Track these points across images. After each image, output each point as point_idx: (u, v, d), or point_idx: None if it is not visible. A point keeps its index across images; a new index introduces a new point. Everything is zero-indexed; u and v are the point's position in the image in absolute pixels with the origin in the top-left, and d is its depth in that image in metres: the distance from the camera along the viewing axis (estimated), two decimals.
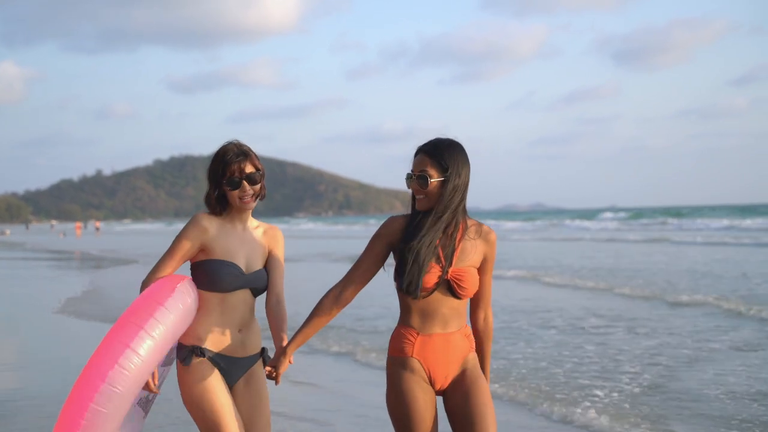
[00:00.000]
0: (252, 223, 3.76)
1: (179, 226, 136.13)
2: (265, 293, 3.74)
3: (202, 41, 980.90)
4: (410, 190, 3.35)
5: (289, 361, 3.43)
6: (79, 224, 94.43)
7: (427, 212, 3.31)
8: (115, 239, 60.95)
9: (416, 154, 3.36)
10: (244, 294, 3.62)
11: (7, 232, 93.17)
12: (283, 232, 3.83)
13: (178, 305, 3.46)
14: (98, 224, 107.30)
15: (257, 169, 3.65)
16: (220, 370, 3.58)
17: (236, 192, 3.62)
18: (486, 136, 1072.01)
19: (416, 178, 3.31)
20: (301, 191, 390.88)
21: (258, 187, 3.65)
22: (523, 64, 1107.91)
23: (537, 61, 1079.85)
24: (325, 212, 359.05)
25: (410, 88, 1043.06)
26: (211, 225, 3.63)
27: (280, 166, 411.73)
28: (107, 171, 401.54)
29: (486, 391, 3.34)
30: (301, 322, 3.44)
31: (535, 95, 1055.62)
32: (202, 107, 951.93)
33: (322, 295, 3.42)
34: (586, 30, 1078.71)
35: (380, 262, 3.42)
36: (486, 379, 3.47)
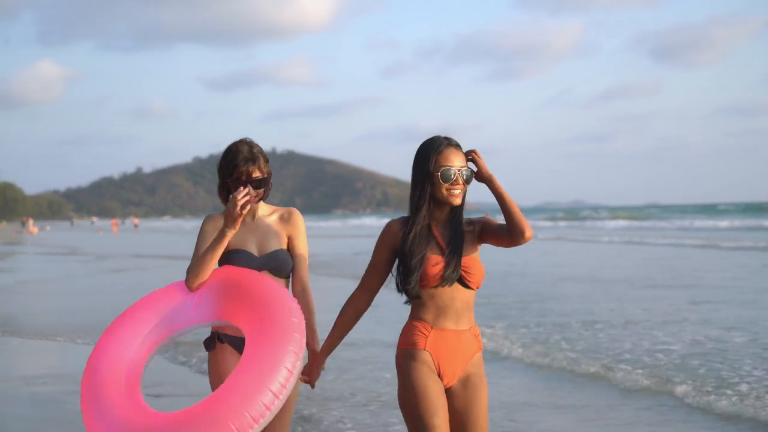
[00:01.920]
0: (263, 211, 3.81)
1: None
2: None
3: (237, 39, 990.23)
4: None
5: (323, 367, 3.55)
6: (115, 221, 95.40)
7: (428, 211, 3.40)
8: (155, 237, 60.62)
9: (441, 148, 3.38)
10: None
11: (47, 228, 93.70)
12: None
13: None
14: (136, 221, 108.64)
15: (264, 175, 3.72)
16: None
17: (241, 194, 3.62)
18: (523, 134, 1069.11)
19: (462, 174, 3.38)
20: (339, 188, 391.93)
21: (262, 190, 3.72)
22: (558, 61, 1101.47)
23: (573, 58, 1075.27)
24: (363, 209, 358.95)
25: (445, 85, 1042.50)
26: (218, 223, 3.74)
27: (318, 163, 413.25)
28: (147, 168, 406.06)
29: (484, 400, 3.40)
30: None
31: (572, 92, 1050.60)
32: (237, 105, 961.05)
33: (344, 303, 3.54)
34: (623, 26, 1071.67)
35: (388, 268, 3.49)
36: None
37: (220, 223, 3.72)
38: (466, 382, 3.39)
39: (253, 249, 3.71)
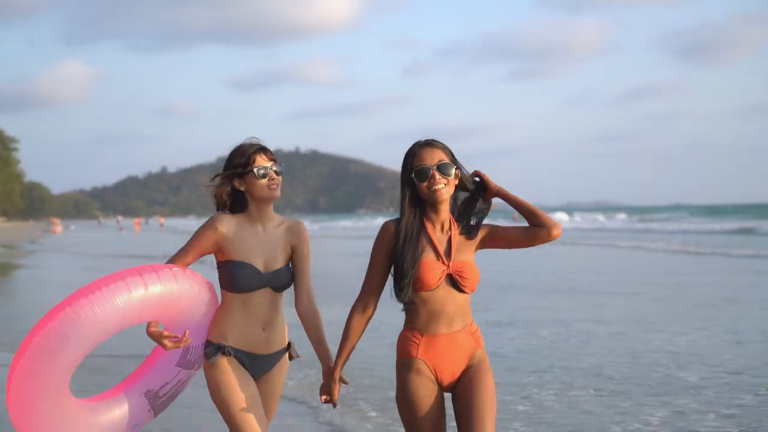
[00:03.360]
0: (273, 221, 3.75)
1: None
2: (293, 288, 3.77)
3: (260, 39, 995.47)
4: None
5: (343, 382, 3.53)
6: (137, 220, 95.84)
7: (416, 213, 3.40)
8: (169, 238, 60.88)
9: (417, 148, 3.42)
10: (265, 292, 3.66)
11: (71, 227, 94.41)
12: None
13: (149, 287, 3.49)
14: (162, 220, 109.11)
15: (275, 160, 3.71)
16: (244, 366, 3.63)
17: (265, 181, 3.64)
18: (546, 133, 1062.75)
19: (439, 168, 3.36)
20: (362, 188, 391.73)
21: (280, 177, 3.69)
22: (581, 60, 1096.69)
23: (596, 58, 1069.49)
24: (386, 208, 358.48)
25: (468, 85, 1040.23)
26: (226, 226, 3.67)
27: (341, 162, 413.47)
28: (172, 168, 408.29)
29: (488, 387, 3.37)
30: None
31: (595, 92, 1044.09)
32: (261, 104, 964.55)
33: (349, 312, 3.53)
34: (646, 25, 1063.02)
35: (387, 270, 3.47)
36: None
37: (226, 226, 3.66)
38: (465, 375, 3.40)
39: (259, 264, 3.67)
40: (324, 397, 3.51)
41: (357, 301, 3.50)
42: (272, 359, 3.73)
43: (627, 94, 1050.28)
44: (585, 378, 7.96)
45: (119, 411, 3.65)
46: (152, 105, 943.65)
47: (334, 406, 3.56)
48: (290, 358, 3.83)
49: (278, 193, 3.69)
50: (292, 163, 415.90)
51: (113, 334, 3.50)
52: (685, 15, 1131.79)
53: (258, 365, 3.69)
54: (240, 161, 3.67)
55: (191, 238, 3.69)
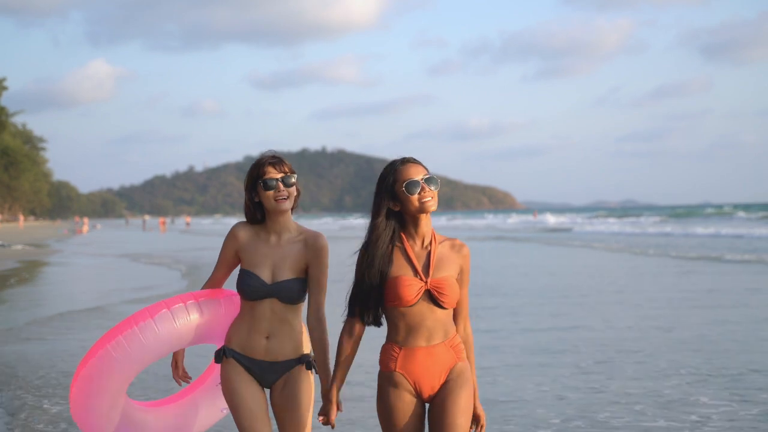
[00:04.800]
0: (291, 233, 3.81)
1: None
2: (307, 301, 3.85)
3: (284, 39, 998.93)
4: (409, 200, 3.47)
5: (339, 409, 3.57)
6: (162, 220, 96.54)
7: (396, 223, 3.49)
8: (184, 238, 60.63)
9: (401, 164, 3.52)
10: (270, 303, 3.74)
11: (98, 226, 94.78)
12: None
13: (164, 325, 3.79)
14: (188, 219, 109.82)
15: (291, 172, 3.79)
16: (248, 371, 3.77)
17: (271, 192, 3.72)
18: (572, 132, 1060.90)
19: (427, 181, 3.46)
20: None
21: (293, 189, 3.76)
22: (607, 59, 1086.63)
23: (622, 56, 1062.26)
24: None
25: (493, 84, 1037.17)
26: (243, 234, 3.83)
27: (367, 162, 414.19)
28: (199, 167, 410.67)
29: (462, 400, 3.43)
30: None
31: (621, 91, 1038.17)
32: (286, 104, 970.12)
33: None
34: (672, 23, 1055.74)
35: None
36: (477, 399, 3.54)
37: (243, 234, 3.82)
38: (443, 389, 3.47)
39: (265, 274, 3.75)
40: (321, 418, 3.57)
41: (347, 319, 3.56)
42: (277, 367, 3.78)
43: (654, 93, 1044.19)
44: None
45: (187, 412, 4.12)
46: (178, 104, 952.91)
47: (332, 427, 3.62)
48: (307, 368, 3.84)
49: (286, 205, 3.73)
50: (319, 162, 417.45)
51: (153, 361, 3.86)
52: (713, 13, 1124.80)
53: (261, 371, 3.78)
54: (253, 173, 3.78)
55: (220, 253, 3.89)
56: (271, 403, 3.83)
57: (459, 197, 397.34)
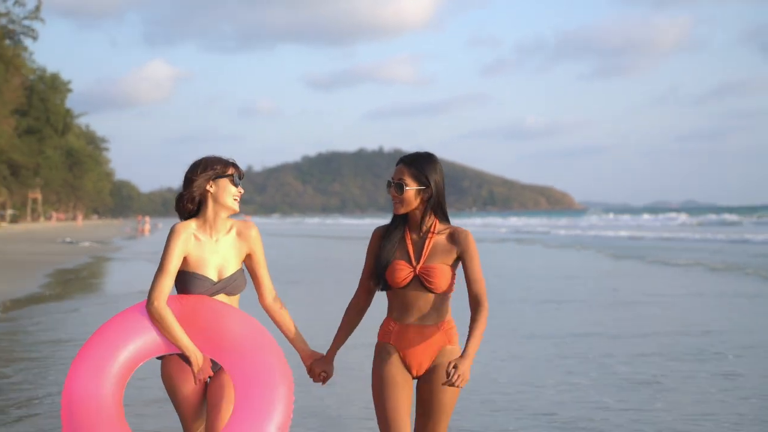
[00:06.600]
0: (225, 225, 3.88)
1: (329, 221, 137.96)
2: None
3: (339, 38, 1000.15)
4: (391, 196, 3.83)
5: (327, 371, 3.96)
6: None
7: (401, 217, 3.84)
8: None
9: (397, 164, 3.88)
10: (219, 298, 3.82)
11: (159, 225, 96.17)
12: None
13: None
14: (248, 218, 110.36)
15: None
16: (189, 363, 3.72)
17: (235, 190, 3.85)
18: (631, 131, 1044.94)
19: (394, 185, 3.81)
20: (446, 187, 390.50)
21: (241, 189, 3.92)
22: (666, 57, 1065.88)
23: (681, 54, 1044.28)
24: (469, 208, 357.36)
25: (549, 83, 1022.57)
26: (187, 234, 3.80)
27: None
28: (257, 167, 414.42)
29: (451, 391, 3.75)
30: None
31: (681, 89, 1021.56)
32: (340, 103, 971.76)
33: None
34: (732, 20, 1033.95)
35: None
36: (467, 356, 3.60)
37: (187, 234, 3.78)
38: (432, 372, 3.77)
39: (212, 273, 3.81)
40: (322, 374, 3.92)
41: (354, 294, 3.96)
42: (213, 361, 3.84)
43: (713, 91, 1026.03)
44: None
45: None
46: (234, 104, 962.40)
47: (323, 383, 3.98)
48: None
49: (238, 208, 3.87)
50: (376, 162, 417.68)
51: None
52: None
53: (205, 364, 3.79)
54: (217, 167, 3.82)
55: (165, 258, 3.74)
56: (207, 391, 3.84)
57: (516, 197, 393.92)
